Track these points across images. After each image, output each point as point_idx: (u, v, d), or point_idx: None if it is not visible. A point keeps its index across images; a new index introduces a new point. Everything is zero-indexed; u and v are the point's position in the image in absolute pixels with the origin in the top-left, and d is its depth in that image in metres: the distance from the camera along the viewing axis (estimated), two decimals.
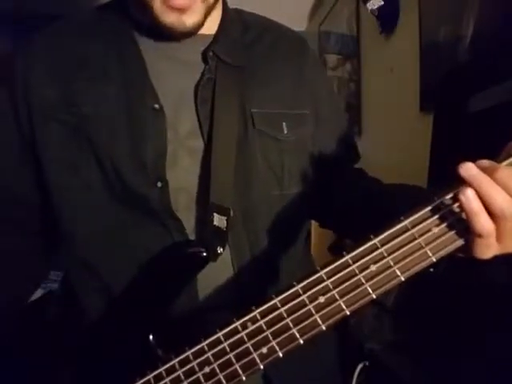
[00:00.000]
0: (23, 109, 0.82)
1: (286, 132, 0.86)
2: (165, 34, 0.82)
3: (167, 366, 0.63)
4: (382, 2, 2.01)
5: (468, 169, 0.53)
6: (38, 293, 0.93)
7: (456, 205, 0.57)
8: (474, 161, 0.63)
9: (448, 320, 1.23)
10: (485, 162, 0.55)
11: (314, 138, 0.92)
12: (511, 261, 0.86)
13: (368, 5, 2.03)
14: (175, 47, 0.84)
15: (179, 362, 0.63)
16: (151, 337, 0.71)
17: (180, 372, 0.62)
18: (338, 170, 0.94)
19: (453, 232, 0.57)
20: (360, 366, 1.45)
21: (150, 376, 0.64)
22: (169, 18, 0.78)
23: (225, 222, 0.77)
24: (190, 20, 0.79)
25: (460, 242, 0.57)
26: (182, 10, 0.77)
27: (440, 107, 1.60)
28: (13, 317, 0.85)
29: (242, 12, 0.96)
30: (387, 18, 2.05)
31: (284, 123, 0.86)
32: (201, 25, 0.82)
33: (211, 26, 0.88)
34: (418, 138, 1.80)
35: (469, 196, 0.53)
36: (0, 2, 2.40)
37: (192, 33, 0.82)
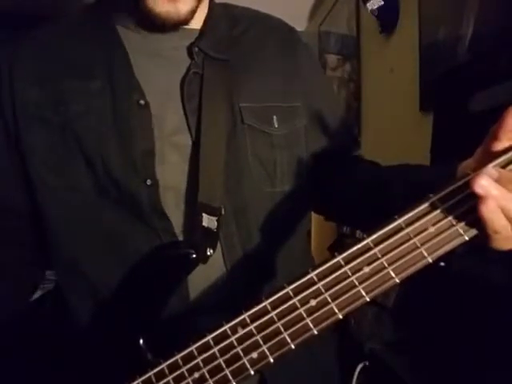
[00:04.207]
0: (8, 110, 0.81)
1: (276, 126, 0.85)
2: (157, 25, 0.81)
3: (156, 370, 0.62)
4: (382, 2, 2.00)
5: (483, 185, 0.52)
6: (37, 294, 0.92)
7: (453, 202, 0.55)
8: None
9: (448, 320, 1.22)
10: (493, 173, 0.53)
11: (309, 131, 0.90)
12: (511, 262, 0.84)
13: (368, 5, 2.03)
14: (161, 43, 0.83)
15: (168, 367, 0.62)
16: (141, 341, 0.69)
17: (170, 378, 0.61)
18: (336, 162, 0.92)
19: (450, 231, 0.55)
20: (360, 366, 1.45)
21: (139, 380, 0.63)
22: (164, 7, 0.78)
23: (215, 222, 0.76)
24: (184, 8, 0.79)
25: (458, 241, 0.55)
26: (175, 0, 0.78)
27: (440, 107, 1.59)
28: (11, 320, 0.83)
29: (229, 6, 0.95)
30: (387, 18, 2.05)
31: (275, 117, 0.85)
32: (194, 13, 0.82)
33: (197, 21, 0.86)
34: (417, 138, 1.79)
35: (490, 205, 0.53)
36: (0, 2, 2.40)
37: (185, 22, 0.81)
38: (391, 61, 2.10)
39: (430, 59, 1.75)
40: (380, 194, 0.78)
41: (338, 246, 2.24)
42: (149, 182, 0.77)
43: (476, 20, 1.47)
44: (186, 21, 0.81)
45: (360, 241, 0.57)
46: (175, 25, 0.81)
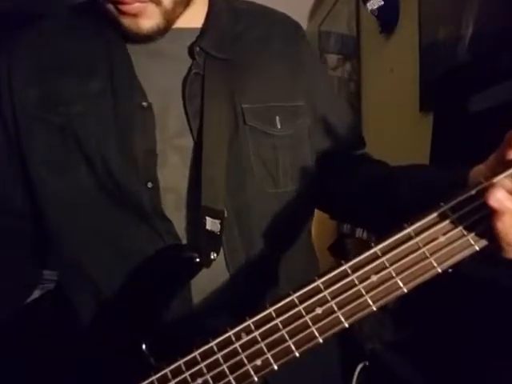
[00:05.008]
0: (8, 110, 0.81)
1: (279, 127, 0.83)
2: (132, 36, 0.79)
3: (159, 375, 0.62)
4: (382, 2, 2.00)
5: (499, 199, 0.51)
6: (36, 293, 0.92)
7: (464, 211, 0.54)
8: (474, 161, 0.61)
9: (448, 320, 1.22)
10: (507, 184, 0.52)
11: (313, 130, 0.89)
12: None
13: (368, 5, 2.03)
14: (161, 43, 0.81)
15: (171, 372, 0.61)
16: (144, 346, 0.69)
17: (173, 383, 0.61)
18: (342, 161, 0.91)
19: (461, 241, 0.54)
20: (360, 366, 1.45)
21: None
22: (125, 23, 0.76)
23: (218, 225, 0.75)
24: (146, 24, 0.76)
25: (469, 251, 0.54)
26: (135, 15, 0.75)
27: (440, 107, 1.59)
28: (11, 320, 0.83)
29: (232, 1, 0.92)
30: (387, 18, 2.05)
31: (277, 117, 0.83)
32: (164, 28, 0.78)
33: (198, 19, 0.85)
34: (417, 138, 1.79)
35: (505, 220, 0.52)
36: (0, 1, 2.39)
37: (156, 35, 0.79)
38: (391, 61, 2.10)
39: (430, 59, 1.75)
40: (386, 193, 0.77)
41: (338, 246, 2.24)
42: (150, 184, 0.76)
43: (476, 20, 1.47)
44: (156, 34, 0.79)
45: (368, 249, 0.56)
46: (148, 37, 0.79)
